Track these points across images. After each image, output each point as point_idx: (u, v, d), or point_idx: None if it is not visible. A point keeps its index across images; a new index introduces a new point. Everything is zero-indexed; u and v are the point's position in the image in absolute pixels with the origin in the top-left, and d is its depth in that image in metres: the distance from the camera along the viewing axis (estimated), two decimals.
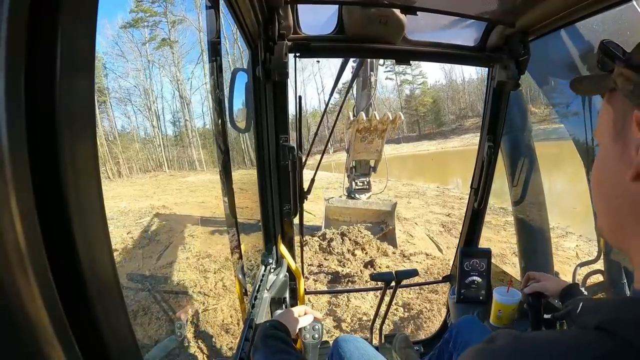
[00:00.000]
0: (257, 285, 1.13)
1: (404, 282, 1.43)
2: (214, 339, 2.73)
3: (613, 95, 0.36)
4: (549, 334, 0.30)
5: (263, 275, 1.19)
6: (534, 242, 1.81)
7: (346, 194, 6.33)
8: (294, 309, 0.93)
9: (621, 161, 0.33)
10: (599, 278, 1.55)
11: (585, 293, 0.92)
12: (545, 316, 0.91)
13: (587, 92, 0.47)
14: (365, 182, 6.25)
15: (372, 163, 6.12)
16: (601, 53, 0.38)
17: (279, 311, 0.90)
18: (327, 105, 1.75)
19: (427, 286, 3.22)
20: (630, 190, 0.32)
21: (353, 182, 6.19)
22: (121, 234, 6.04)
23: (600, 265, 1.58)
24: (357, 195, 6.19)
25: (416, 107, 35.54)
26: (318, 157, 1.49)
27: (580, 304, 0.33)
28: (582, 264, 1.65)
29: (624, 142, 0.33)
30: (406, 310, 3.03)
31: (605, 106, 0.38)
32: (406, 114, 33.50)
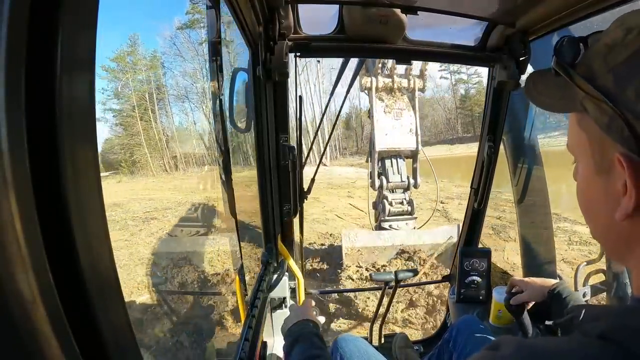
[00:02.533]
0: (257, 285, 1.13)
1: (404, 282, 1.43)
2: (213, 339, 2.73)
3: (584, 119, 0.31)
4: (553, 343, 0.30)
5: (263, 275, 1.19)
6: (537, 241, 1.80)
7: (376, 224, 3.97)
8: (307, 303, 0.92)
9: (607, 195, 0.31)
10: (601, 277, 1.55)
11: (573, 290, 0.91)
12: (547, 323, 0.91)
13: (550, 107, 0.38)
14: (405, 201, 3.85)
15: (409, 172, 3.86)
16: (557, 56, 0.32)
17: (294, 307, 0.87)
18: (327, 105, 1.75)
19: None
20: (621, 226, 0.31)
21: (385, 203, 3.79)
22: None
23: (603, 264, 1.58)
24: (394, 226, 3.75)
25: (471, 107, 33.57)
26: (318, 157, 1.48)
27: (583, 311, 0.32)
28: (585, 264, 1.65)
29: (607, 177, 0.31)
30: (406, 310, 3.03)
31: (575, 129, 0.33)
32: (461, 114, 32.80)
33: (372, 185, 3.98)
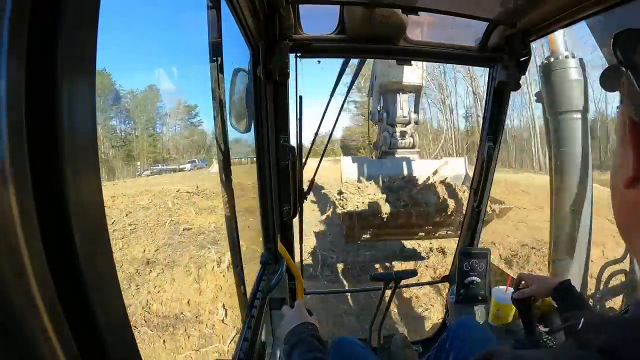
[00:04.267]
0: (257, 286, 1.13)
1: (403, 282, 1.43)
2: (212, 339, 2.73)
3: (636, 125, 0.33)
4: (550, 356, 0.29)
5: (262, 276, 1.19)
6: (569, 238, 1.74)
7: (377, 152, 3.93)
8: (300, 306, 0.90)
9: (621, 166, 0.32)
10: (622, 278, 1.54)
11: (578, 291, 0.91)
12: (542, 329, 0.91)
13: (610, 87, 0.41)
14: (407, 134, 3.78)
15: (411, 107, 3.72)
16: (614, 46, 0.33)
17: (287, 311, 0.87)
18: (327, 106, 1.74)
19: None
20: (625, 197, 0.32)
21: (387, 136, 3.73)
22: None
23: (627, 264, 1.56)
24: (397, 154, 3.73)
25: None
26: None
27: (582, 320, 0.31)
28: (608, 263, 1.64)
29: (624, 149, 0.32)
30: (405, 310, 3.04)
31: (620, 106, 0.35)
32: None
33: (373, 118, 3.95)
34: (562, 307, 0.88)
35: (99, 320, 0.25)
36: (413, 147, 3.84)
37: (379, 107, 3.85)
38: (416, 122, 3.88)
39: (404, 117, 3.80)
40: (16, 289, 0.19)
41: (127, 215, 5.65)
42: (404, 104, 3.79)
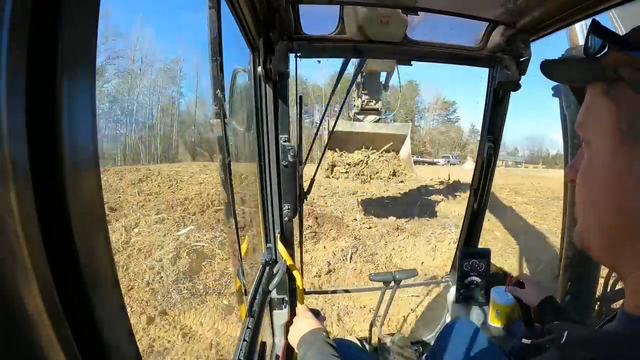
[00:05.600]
0: (257, 286, 1.13)
1: (403, 282, 1.43)
2: (212, 340, 2.73)
3: (614, 87, 0.30)
4: None
5: (262, 276, 1.19)
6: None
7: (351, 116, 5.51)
8: (307, 313, 0.96)
9: (632, 169, 0.28)
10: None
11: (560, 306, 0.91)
12: (524, 341, 0.91)
13: (567, 79, 0.39)
14: (375, 101, 5.28)
15: (382, 77, 5.14)
16: (592, 33, 0.32)
17: (303, 318, 0.93)
18: (327, 106, 1.75)
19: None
20: (633, 210, 0.28)
21: (359, 100, 5.23)
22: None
23: None
24: (362, 118, 5.29)
25: None
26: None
27: (565, 333, 0.30)
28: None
29: (633, 144, 0.28)
30: (405, 310, 3.04)
31: (599, 100, 0.32)
32: None
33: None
34: (546, 319, 0.89)
35: (99, 319, 0.25)
36: (379, 112, 5.19)
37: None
38: (385, 89, 5.22)
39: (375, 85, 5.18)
40: (17, 289, 0.19)
41: None
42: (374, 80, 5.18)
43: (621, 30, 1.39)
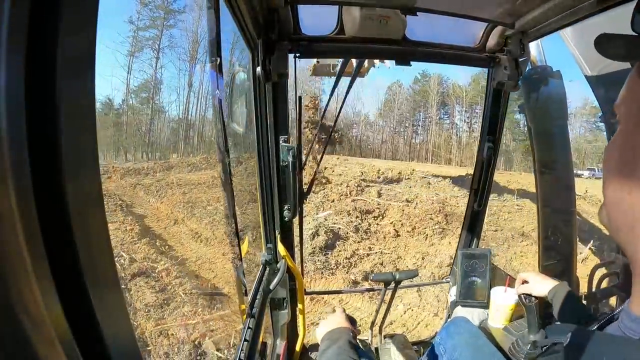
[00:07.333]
0: (257, 286, 1.13)
1: (404, 282, 1.43)
2: (213, 340, 2.73)
3: None
4: None
5: (263, 276, 1.19)
6: (557, 242, 1.75)
7: None
8: (341, 314, 0.95)
9: None
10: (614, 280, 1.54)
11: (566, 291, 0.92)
12: (529, 351, 0.93)
13: (618, 57, 0.40)
14: None
15: None
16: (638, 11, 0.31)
17: (336, 316, 0.92)
18: (326, 106, 1.75)
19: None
20: None
21: None
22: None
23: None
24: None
25: None
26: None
27: (568, 336, 0.30)
28: (598, 266, 1.64)
29: None
30: (405, 310, 3.04)
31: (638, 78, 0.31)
32: None
33: None
34: (557, 308, 0.90)
35: (100, 319, 0.25)
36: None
37: None
38: None
39: None
40: (17, 289, 0.19)
41: None
42: None
43: (574, 51, 1.40)
